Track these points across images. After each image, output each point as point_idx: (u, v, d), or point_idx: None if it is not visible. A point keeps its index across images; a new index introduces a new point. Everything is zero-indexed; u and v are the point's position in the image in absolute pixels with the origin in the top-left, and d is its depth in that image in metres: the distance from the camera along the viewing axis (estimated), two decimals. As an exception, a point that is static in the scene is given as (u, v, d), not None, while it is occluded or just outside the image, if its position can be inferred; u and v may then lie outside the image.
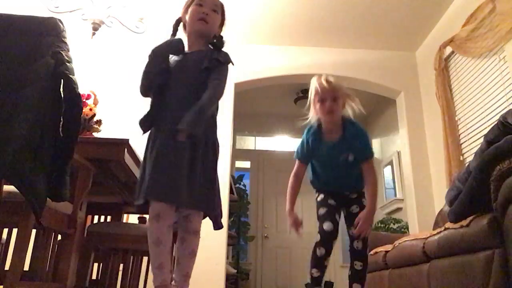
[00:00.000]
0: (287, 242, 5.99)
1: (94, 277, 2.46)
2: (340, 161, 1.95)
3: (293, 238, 6.02)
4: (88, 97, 2.37)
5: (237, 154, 6.22)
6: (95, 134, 2.34)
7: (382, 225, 4.87)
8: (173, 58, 1.65)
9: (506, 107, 2.87)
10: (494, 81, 3.08)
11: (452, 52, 3.66)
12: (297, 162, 2.05)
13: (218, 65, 1.56)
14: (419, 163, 4.07)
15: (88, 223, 2.43)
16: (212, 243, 3.38)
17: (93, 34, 3.05)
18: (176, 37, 1.66)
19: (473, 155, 1.91)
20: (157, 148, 1.47)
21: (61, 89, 1.41)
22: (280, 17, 4.01)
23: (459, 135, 3.51)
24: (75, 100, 1.44)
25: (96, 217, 2.62)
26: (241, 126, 6.05)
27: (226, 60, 1.59)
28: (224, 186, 3.85)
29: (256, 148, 6.76)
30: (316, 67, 4.26)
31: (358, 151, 1.94)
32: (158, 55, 1.58)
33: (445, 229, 1.95)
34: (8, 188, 1.45)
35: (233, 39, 4.14)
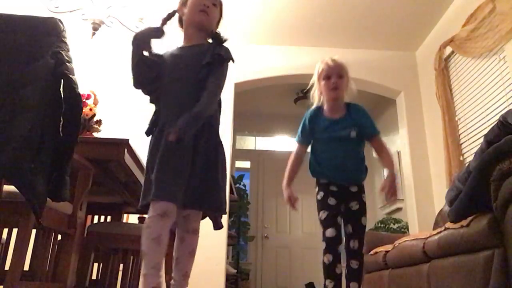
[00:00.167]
0: (287, 242, 5.99)
1: (94, 277, 2.46)
2: (342, 136, 1.94)
3: (293, 238, 6.03)
4: (88, 97, 2.37)
5: (237, 154, 6.22)
6: (95, 134, 2.34)
7: (382, 225, 4.87)
8: (169, 52, 1.62)
9: (506, 107, 2.87)
10: (494, 81, 3.08)
11: (452, 52, 3.66)
12: (297, 145, 2.06)
13: (219, 60, 1.54)
14: (419, 163, 4.07)
15: (88, 223, 2.43)
16: (212, 243, 3.38)
17: (93, 34, 3.04)
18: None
19: (473, 155, 1.91)
20: (162, 149, 1.45)
21: (61, 89, 1.41)
22: (280, 17, 4.01)
23: (459, 135, 3.51)
24: (75, 100, 1.44)
25: (96, 217, 2.62)
26: (241, 126, 6.04)
27: (228, 56, 1.56)
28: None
29: (256, 148, 6.76)
30: (315, 68, 4.25)
31: (365, 128, 1.97)
32: (138, 38, 1.54)
33: (445, 229, 1.95)
34: (8, 188, 1.45)
35: (233, 39, 4.14)
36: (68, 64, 1.43)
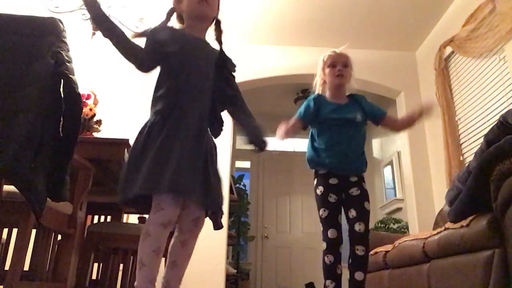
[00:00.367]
0: (287, 242, 5.99)
1: (94, 277, 2.46)
2: (349, 118, 1.94)
3: (293, 238, 6.03)
4: (88, 97, 2.37)
5: (237, 154, 6.21)
6: (95, 134, 2.34)
7: (382, 225, 4.87)
8: (178, 33, 1.56)
9: (506, 107, 2.87)
10: (494, 81, 3.08)
11: (452, 52, 3.66)
12: (296, 118, 2.02)
13: (234, 76, 1.65)
14: (419, 163, 4.07)
15: (88, 223, 2.43)
16: (212, 243, 3.38)
17: (93, 34, 3.05)
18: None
19: (473, 155, 1.91)
20: (177, 149, 1.36)
21: (61, 89, 1.41)
22: (280, 17, 4.01)
23: (459, 135, 3.51)
24: (75, 100, 1.44)
25: (96, 217, 2.62)
26: (241, 126, 6.03)
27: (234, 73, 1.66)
28: (224, 186, 3.85)
29: (256, 148, 6.75)
30: (316, 67, 4.25)
31: (373, 111, 2.02)
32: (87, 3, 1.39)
33: (445, 229, 1.95)
34: (8, 188, 1.45)
35: (233, 39, 4.14)
36: (68, 64, 1.43)
